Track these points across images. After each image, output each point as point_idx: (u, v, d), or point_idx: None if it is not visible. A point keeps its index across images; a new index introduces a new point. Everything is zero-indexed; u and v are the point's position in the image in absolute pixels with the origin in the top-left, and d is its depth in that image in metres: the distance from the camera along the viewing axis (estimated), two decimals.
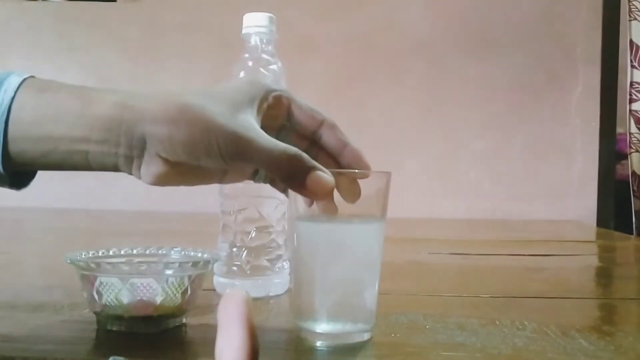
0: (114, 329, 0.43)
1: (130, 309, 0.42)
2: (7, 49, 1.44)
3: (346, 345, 0.42)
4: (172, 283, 0.43)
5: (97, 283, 0.42)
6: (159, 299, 0.42)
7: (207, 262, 0.45)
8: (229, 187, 0.57)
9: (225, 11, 1.30)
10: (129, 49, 1.44)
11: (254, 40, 0.58)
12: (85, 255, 0.47)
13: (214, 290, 0.57)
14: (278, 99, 0.43)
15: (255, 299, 0.55)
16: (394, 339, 0.44)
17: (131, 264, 0.45)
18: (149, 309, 0.42)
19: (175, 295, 0.43)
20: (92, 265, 0.43)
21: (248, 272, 0.56)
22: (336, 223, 0.43)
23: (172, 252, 0.50)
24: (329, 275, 0.42)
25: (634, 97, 1.25)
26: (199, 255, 0.48)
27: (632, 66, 1.25)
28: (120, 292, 0.42)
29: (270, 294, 0.56)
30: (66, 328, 0.46)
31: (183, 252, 0.50)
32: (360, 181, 0.42)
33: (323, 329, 0.42)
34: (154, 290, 0.42)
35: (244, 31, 0.58)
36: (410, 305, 0.53)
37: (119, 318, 0.43)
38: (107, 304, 0.42)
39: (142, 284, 0.42)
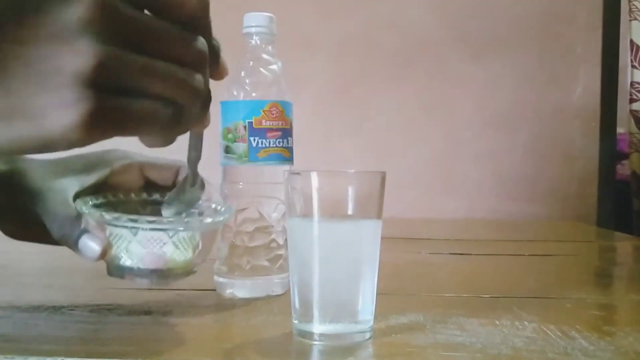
0: (125, 278, 0.43)
1: (140, 261, 0.42)
2: None
3: (346, 345, 0.42)
4: (184, 238, 0.42)
5: (107, 233, 0.42)
6: (169, 253, 0.42)
7: (219, 218, 0.44)
8: (229, 188, 0.57)
9: (225, 11, 1.30)
10: None
11: (254, 40, 0.58)
12: (95, 201, 0.45)
13: (214, 290, 0.57)
14: (128, 167, 0.48)
15: (256, 299, 0.55)
16: (394, 339, 0.44)
17: (141, 219, 0.42)
18: (159, 262, 0.42)
19: (186, 249, 0.42)
20: (105, 217, 0.41)
21: (248, 272, 0.56)
22: (332, 222, 0.43)
23: None
24: (325, 275, 0.42)
25: (634, 97, 1.25)
26: (213, 207, 0.47)
27: (632, 66, 1.25)
28: (131, 244, 0.41)
29: (270, 294, 0.56)
30: (66, 328, 0.46)
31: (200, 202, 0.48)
32: (356, 181, 0.43)
33: (321, 329, 0.42)
34: (165, 244, 0.42)
35: (244, 31, 0.58)
36: (410, 305, 0.53)
37: (129, 268, 0.42)
38: (117, 254, 0.42)
39: (152, 237, 0.41)
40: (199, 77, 0.32)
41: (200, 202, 0.48)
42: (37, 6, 0.28)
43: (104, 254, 0.42)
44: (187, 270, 0.44)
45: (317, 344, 0.42)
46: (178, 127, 0.33)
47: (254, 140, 0.55)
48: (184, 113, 0.32)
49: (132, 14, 0.30)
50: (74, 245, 0.42)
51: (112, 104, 0.29)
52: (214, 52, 0.35)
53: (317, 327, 0.42)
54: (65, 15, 0.28)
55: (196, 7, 0.32)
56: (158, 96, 0.31)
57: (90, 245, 0.42)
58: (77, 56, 0.28)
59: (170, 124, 0.32)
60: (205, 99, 0.34)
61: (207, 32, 0.33)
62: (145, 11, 0.31)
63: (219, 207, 0.47)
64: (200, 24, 0.33)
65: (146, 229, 0.41)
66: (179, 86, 0.31)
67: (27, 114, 0.28)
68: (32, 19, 0.28)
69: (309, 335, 0.43)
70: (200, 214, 0.47)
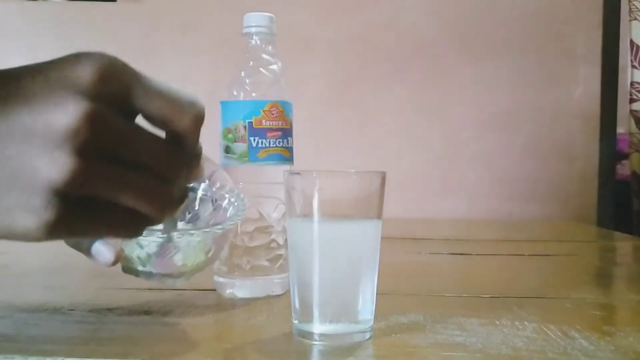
0: (139, 277, 0.43)
1: (152, 267, 0.42)
2: (7, 49, 1.44)
3: (346, 345, 0.42)
4: (195, 244, 0.42)
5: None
6: (181, 260, 0.42)
7: (229, 224, 0.44)
8: None
9: (225, 11, 1.31)
10: (129, 49, 1.44)
11: (254, 40, 0.58)
12: None
13: (214, 290, 0.57)
14: None
15: (256, 299, 0.55)
16: (394, 339, 0.44)
17: (152, 232, 0.42)
18: (171, 269, 0.42)
19: (197, 255, 0.43)
20: None
21: (248, 272, 0.56)
22: (332, 222, 0.43)
23: (200, 188, 0.48)
24: (325, 275, 0.42)
25: (634, 97, 1.25)
26: (227, 197, 0.47)
27: (632, 66, 1.25)
28: (142, 252, 0.42)
29: (270, 294, 0.56)
30: (66, 328, 0.46)
31: (213, 189, 0.48)
32: (356, 181, 0.43)
33: (321, 329, 0.42)
34: (176, 252, 0.42)
35: (244, 31, 0.58)
36: (410, 305, 0.53)
37: (142, 271, 0.43)
38: (130, 258, 0.42)
39: (164, 247, 0.42)
40: (172, 190, 0.32)
41: (214, 189, 0.48)
42: (26, 103, 0.27)
43: (117, 261, 0.41)
44: (199, 271, 0.45)
45: (317, 344, 0.42)
46: (142, 231, 0.33)
47: (254, 140, 0.55)
48: (152, 222, 0.32)
49: (120, 125, 0.29)
50: (86, 251, 0.41)
51: (77, 215, 0.29)
52: (196, 158, 0.35)
53: (317, 327, 0.42)
54: (52, 120, 0.27)
55: (189, 126, 0.32)
56: (128, 208, 0.31)
57: (103, 251, 0.41)
58: (54, 165, 0.27)
59: (136, 231, 0.32)
60: (178, 201, 0.33)
61: (195, 141, 0.33)
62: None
63: (232, 199, 0.47)
64: (191, 140, 0.33)
65: (158, 239, 0.41)
66: (150, 201, 0.31)
67: None
68: (18, 114, 0.27)
69: (309, 335, 0.43)
70: (214, 202, 0.47)
